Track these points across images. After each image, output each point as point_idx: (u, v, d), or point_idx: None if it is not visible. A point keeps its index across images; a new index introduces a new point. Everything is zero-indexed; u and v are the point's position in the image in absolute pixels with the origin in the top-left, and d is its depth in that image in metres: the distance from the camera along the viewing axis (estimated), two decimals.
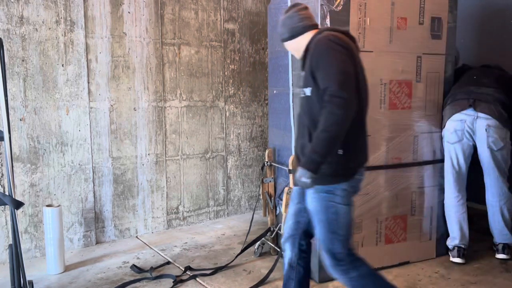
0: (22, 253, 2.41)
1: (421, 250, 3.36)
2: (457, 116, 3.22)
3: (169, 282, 3.06)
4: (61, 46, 3.50)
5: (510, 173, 3.40)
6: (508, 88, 3.35)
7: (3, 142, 2.44)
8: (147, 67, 3.91)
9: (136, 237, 3.94)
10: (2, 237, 3.38)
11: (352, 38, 2.24)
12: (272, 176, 3.49)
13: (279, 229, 3.38)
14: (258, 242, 3.45)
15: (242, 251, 3.44)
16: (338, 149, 2.08)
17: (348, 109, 1.96)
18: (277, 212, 3.47)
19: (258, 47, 4.57)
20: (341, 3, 2.86)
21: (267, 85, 4.47)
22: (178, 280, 3.05)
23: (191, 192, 4.27)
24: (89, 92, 3.65)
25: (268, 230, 3.48)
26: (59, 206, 3.27)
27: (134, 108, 3.87)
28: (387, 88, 3.09)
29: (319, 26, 2.36)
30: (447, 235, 3.39)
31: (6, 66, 2.71)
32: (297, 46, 2.28)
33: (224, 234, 4.03)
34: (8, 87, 3.18)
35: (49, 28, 3.44)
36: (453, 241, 3.33)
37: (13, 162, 2.53)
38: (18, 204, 2.31)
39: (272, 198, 3.47)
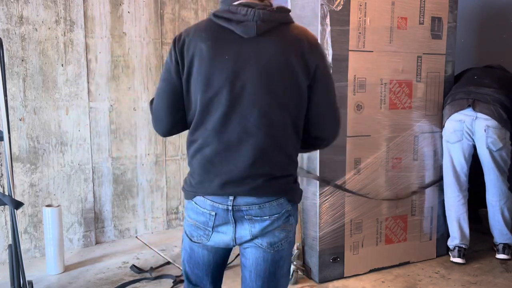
0: (21, 253, 2.40)
1: (421, 250, 3.35)
2: (456, 116, 3.22)
3: (169, 282, 3.05)
4: (61, 46, 3.49)
5: (510, 173, 3.39)
6: (510, 89, 3.35)
7: (2, 142, 2.44)
8: (147, 67, 3.91)
9: (136, 237, 3.94)
10: (2, 237, 3.38)
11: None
12: None
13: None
14: (293, 267, 2.97)
15: None
16: None
17: None
18: None
19: None
20: (341, 2, 2.86)
21: None
22: (178, 280, 3.04)
23: None
24: (89, 92, 3.65)
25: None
26: (58, 206, 3.27)
27: (134, 108, 3.86)
28: (387, 88, 3.09)
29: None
30: (447, 235, 3.39)
31: (5, 66, 2.70)
32: None
33: None
34: (7, 87, 3.17)
35: (49, 28, 3.44)
36: (453, 241, 3.33)
37: (12, 162, 2.52)
38: (17, 204, 2.31)
39: None
